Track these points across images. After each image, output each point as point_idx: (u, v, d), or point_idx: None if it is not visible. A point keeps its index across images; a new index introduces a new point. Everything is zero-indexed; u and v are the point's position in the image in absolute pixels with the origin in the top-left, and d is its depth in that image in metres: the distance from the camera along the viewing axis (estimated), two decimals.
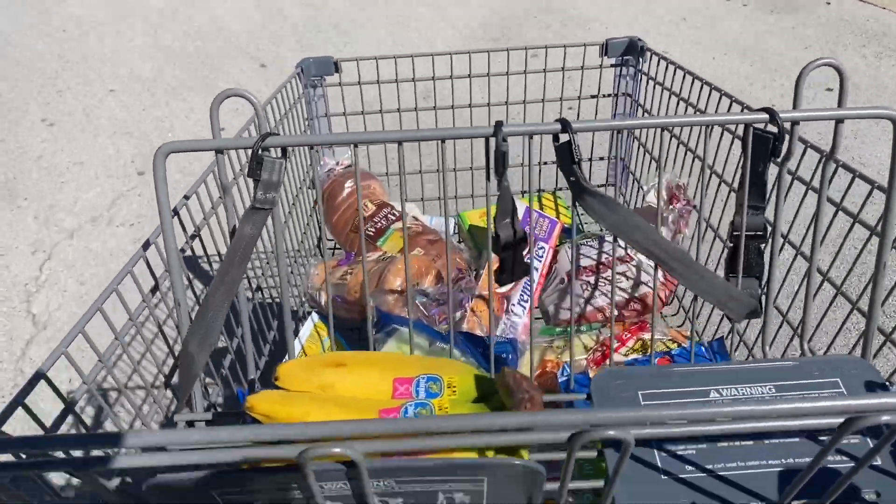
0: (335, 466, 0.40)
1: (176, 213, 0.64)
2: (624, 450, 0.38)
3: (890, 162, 0.55)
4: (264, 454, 0.39)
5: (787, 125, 0.56)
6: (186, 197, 0.68)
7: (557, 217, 1.18)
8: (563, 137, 0.54)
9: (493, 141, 0.53)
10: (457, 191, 1.30)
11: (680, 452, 0.53)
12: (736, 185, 0.65)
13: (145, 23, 3.11)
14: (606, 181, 1.32)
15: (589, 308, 1.01)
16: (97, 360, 0.54)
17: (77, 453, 0.52)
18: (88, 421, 1.18)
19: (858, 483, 0.52)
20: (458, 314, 0.98)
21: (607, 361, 0.97)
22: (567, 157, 0.54)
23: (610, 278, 1.02)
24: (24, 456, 0.43)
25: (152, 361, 1.33)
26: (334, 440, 0.38)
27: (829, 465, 0.52)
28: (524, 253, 0.62)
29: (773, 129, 0.55)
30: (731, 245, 0.61)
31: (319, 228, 1.28)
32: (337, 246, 1.21)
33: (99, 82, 2.62)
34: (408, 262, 0.63)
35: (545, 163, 1.24)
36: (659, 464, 0.53)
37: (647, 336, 1.00)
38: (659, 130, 1.10)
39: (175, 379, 0.60)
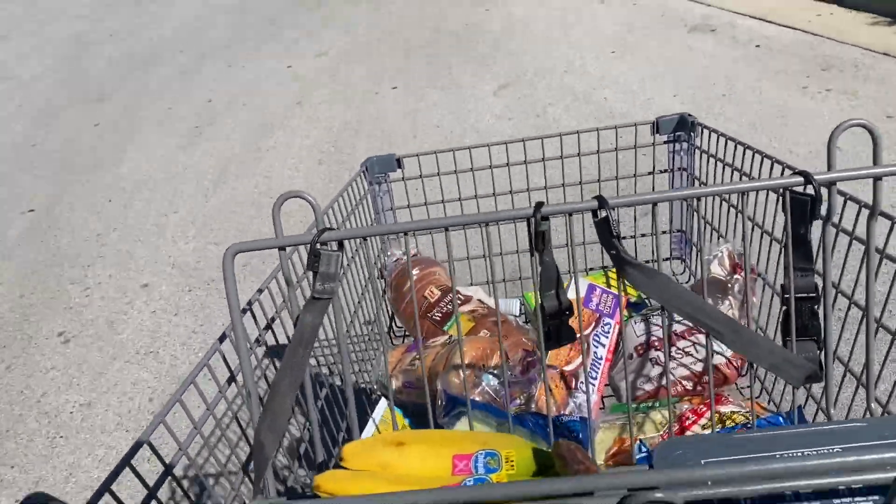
0: None
1: (247, 309, 0.69)
2: None
3: None
4: None
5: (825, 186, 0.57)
6: (259, 290, 0.73)
7: (621, 292, 1.18)
8: (601, 213, 0.56)
9: (532, 221, 0.56)
10: (520, 272, 1.32)
11: None
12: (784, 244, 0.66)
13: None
14: (671, 255, 1.32)
15: (658, 384, 1.00)
16: (177, 448, 0.58)
17: None
18: None
19: None
20: (526, 396, 0.99)
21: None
22: (606, 232, 0.56)
23: (681, 351, 1.02)
24: None
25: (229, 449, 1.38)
26: None
27: None
28: (571, 321, 0.63)
29: (810, 191, 0.56)
30: (785, 308, 0.60)
31: (391, 317, 1.32)
32: (407, 333, 1.24)
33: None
34: (461, 343, 0.65)
35: (595, 241, 1.25)
36: None
37: (723, 409, 0.98)
38: (716, 200, 1.11)
39: (250, 466, 0.63)
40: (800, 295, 0.59)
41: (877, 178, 0.56)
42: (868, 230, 0.58)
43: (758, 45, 3.02)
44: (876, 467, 0.37)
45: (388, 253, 1.27)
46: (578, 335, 1.02)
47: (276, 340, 0.76)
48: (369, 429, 0.87)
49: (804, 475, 0.37)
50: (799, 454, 0.56)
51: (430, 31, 4.18)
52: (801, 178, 0.56)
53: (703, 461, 0.57)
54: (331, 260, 0.57)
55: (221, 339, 0.67)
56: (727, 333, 0.57)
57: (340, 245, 0.59)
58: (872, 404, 0.62)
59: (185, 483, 1.30)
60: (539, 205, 0.56)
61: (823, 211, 0.57)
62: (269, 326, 0.75)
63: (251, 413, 0.61)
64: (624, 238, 1.35)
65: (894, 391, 0.68)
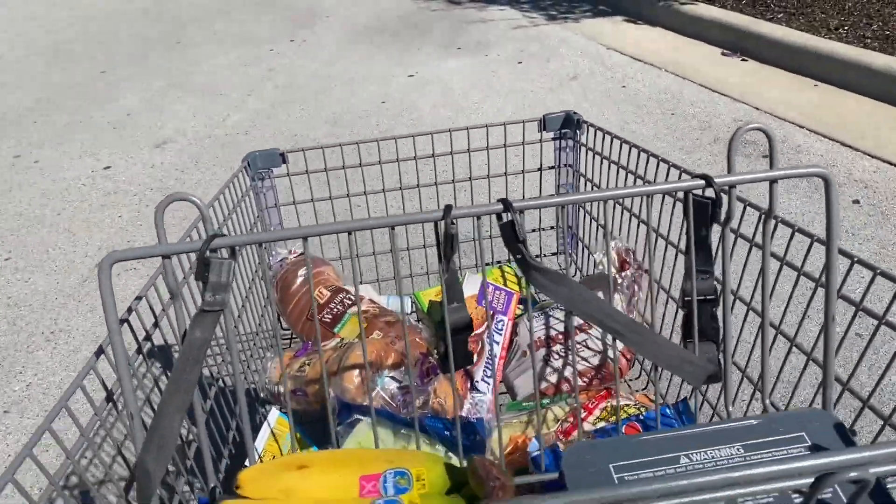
0: None
1: (125, 320, 0.63)
2: None
3: (826, 217, 0.57)
4: None
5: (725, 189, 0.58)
6: (138, 298, 0.67)
7: (510, 288, 1.18)
8: (506, 217, 0.55)
9: (441, 224, 0.54)
10: (412, 269, 1.30)
11: None
12: (683, 247, 0.67)
13: None
14: (557, 250, 1.34)
15: (554, 379, 1.01)
16: (48, 483, 0.52)
17: None
18: None
19: None
20: (422, 399, 0.97)
21: (576, 433, 0.97)
22: (511, 236, 0.55)
23: (572, 348, 1.03)
24: None
25: (106, 473, 1.27)
26: None
27: None
28: (471, 338, 0.61)
29: (711, 194, 0.57)
30: (685, 311, 0.61)
31: (279, 319, 1.27)
32: (294, 336, 1.19)
33: None
34: (364, 346, 0.62)
35: (498, 236, 1.25)
36: None
37: (614, 402, 1.00)
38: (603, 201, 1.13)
39: (131, 495, 0.57)
40: (700, 297, 0.60)
41: (772, 182, 0.57)
42: (763, 234, 0.60)
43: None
44: (798, 475, 0.37)
45: (273, 252, 1.21)
46: (478, 330, 1.01)
47: (155, 351, 0.70)
48: (264, 434, 0.82)
49: (719, 487, 0.37)
50: (704, 454, 0.57)
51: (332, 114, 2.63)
52: (702, 182, 0.57)
53: (611, 465, 0.57)
54: (222, 269, 0.52)
55: (98, 353, 0.60)
56: (631, 336, 0.57)
57: (233, 252, 0.54)
58: (767, 401, 0.64)
59: None
60: (448, 208, 0.53)
61: (723, 214, 0.58)
62: (148, 338, 0.68)
63: (134, 437, 0.55)
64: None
65: (792, 398, 0.71)
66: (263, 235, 0.54)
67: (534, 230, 1.33)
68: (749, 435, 0.59)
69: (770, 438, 0.58)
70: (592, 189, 1.21)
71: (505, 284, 1.19)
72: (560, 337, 1.04)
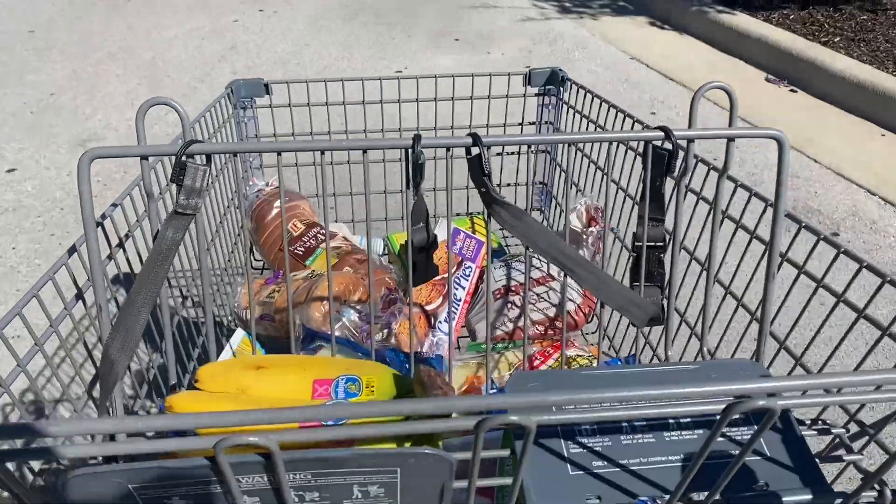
0: (252, 458, 0.41)
1: (102, 219, 0.65)
2: (527, 435, 0.41)
3: (776, 179, 0.60)
4: (179, 445, 0.40)
5: (683, 143, 0.60)
6: (114, 205, 0.69)
7: (489, 239, 1.21)
8: (475, 151, 0.57)
9: (411, 153, 0.56)
10: (387, 213, 1.32)
11: (588, 448, 0.56)
12: (638, 198, 0.70)
13: None
14: (530, 206, 1.37)
15: (514, 326, 1.05)
16: (15, 364, 0.54)
17: None
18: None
19: (753, 473, 0.56)
20: (386, 332, 1.00)
21: None
22: (478, 170, 0.57)
23: (536, 296, 1.06)
24: None
25: (73, 370, 1.30)
26: (250, 429, 0.40)
27: (725, 459, 0.56)
28: (436, 257, 0.64)
29: (669, 146, 0.60)
30: (634, 255, 0.65)
31: (251, 248, 1.29)
32: (266, 266, 1.21)
33: None
34: (331, 278, 0.65)
35: (471, 187, 1.27)
36: (567, 458, 0.55)
37: (569, 353, 1.04)
38: (573, 152, 1.15)
39: (95, 388, 0.60)
40: (650, 243, 0.63)
41: (730, 139, 0.60)
42: (717, 189, 0.63)
43: None
44: (701, 398, 0.41)
45: (250, 183, 1.22)
46: (444, 275, 1.04)
47: (128, 260, 0.72)
48: (226, 355, 0.85)
49: (640, 401, 0.40)
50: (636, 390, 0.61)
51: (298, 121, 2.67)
52: (661, 133, 0.59)
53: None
54: (197, 174, 0.55)
55: (71, 251, 0.62)
56: (583, 274, 0.60)
57: (208, 159, 0.56)
58: (705, 349, 0.68)
59: (24, 406, 1.21)
60: (417, 136, 0.56)
61: (678, 168, 0.61)
62: (121, 244, 0.70)
63: (101, 329, 0.57)
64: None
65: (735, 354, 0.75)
66: (239, 145, 0.56)
67: (508, 185, 1.36)
68: (682, 377, 0.62)
69: (703, 380, 0.62)
70: (556, 132, 1.24)
71: (474, 233, 1.22)
72: (521, 287, 1.07)
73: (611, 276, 0.60)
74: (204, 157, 0.56)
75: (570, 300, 1.03)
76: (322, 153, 0.57)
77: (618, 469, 0.56)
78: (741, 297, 0.74)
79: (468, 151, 0.58)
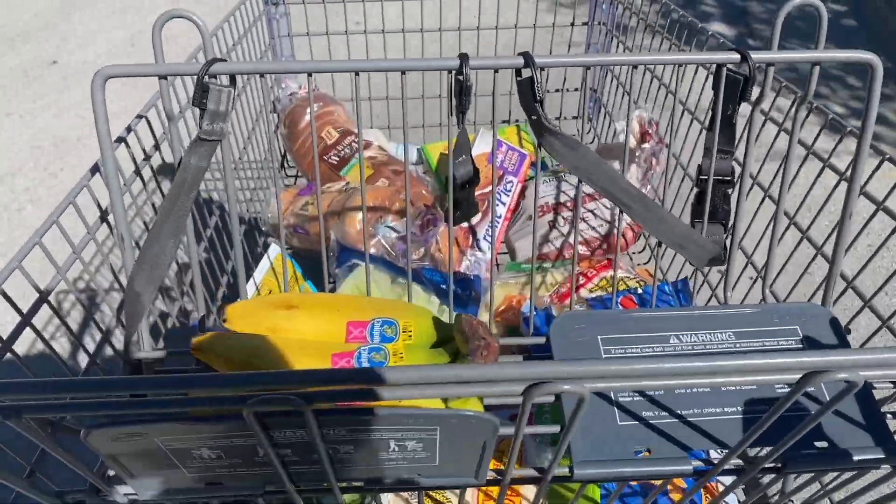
0: (283, 415, 0.39)
1: (122, 139, 0.61)
2: (578, 404, 0.38)
3: (864, 109, 0.53)
4: (207, 401, 0.37)
5: (761, 67, 0.54)
6: (129, 129, 0.65)
7: (525, 149, 1.15)
8: (526, 73, 0.51)
9: (457, 74, 0.50)
10: (424, 120, 1.26)
11: (637, 399, 0.53)
12: (707, 124, 0.64)
13: None
14: (579, 113, 1.29)
15: (556, 245, 1.00)
16: (37, 295, 0.52)
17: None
18: (29, 359, 1.16)
19: (817, 428, 0.52)
20: (423, 250, 0.96)
21: (568, 300, 0.97)
22: (529, 94, 0.52)
23: (579, 216, 1.01)
24: None
25: (100, 297, 1.30)
26: (283, 391, 0.37)
27: (785, 414, 0.53)
28: (478, 196, 0.60)
29: (745, 70, 0.53)
30: (698, 189, 0.59)
31: (283, 155, 1.24)
32: (300, 174, 1.18)
33: None
34: (364, 205, 0.61)
35: (514, 92, 1.20)
36: (616, 409, 0.52)
37: (611, 274, 1.00)
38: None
39: (122, 315, 0.57)
40: (716, 177, 0.57)
41: (814, 64, 0.53)
42: (794, 119, 0.56)
43: None
44: (787, 369, 0.37)
45: (283, 85, 1.17)
46: (485, 189, 0.99)
47: (155, 177, 0.68)
48: (263, 267, 0.82)
49: (708, 373, 0.36)
50: (695, 336, 0.57)
51: None
52: (737, 56, 0.52)
53: (599, 336, 0.57)
54: (221, 97, 0.50)
55: (93, 170, 0.59)
56: (639, 209, 0.55)
57: (232, 80, 0.51)
58: (767, 290, 0.63)
59: (46, 334, 1.22)
60: (464, 57, 0.50)
61: (755, 94, 0.55)
62: (147, 159, 0.67)
63: (124, 259, 0.55)
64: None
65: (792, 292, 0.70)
66: (265, 65, 0.51)
67: (557, 90, 1.28)
68: (743, 322, 0.58)
69: (764, 328, 0.58)
70: (623, 52, 1.15)
71: (520, 145, 1.16)
72: (569, 204, 1.02)
73: (670, 213, 0.55)
74: (227, 77, 0.51)
75: (615, 223, 0.98)
76: (357, 74, 0.52)
77: (670, 420, 0.52)
78: (806, 230, 0.68)
79: (518, 73, 0.52)
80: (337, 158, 1.09)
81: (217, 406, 0.37)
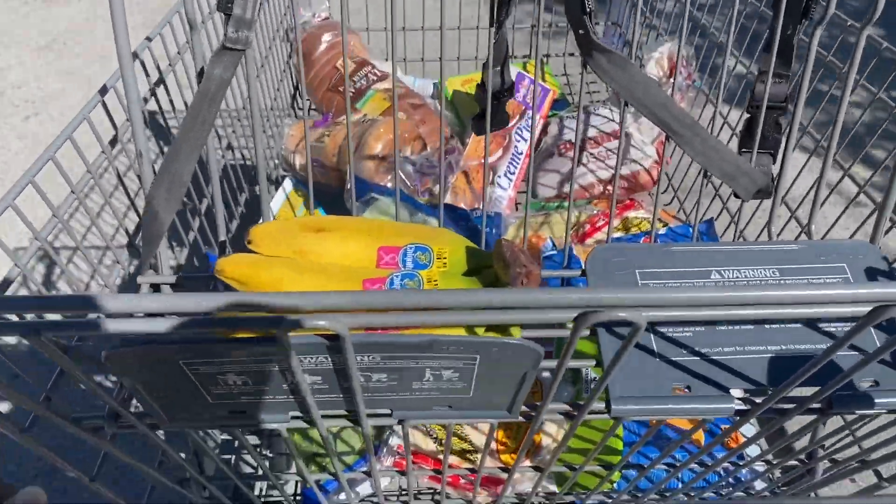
0: (316, 339, 0.36)
1: (137, 55, 0.58)
2: (632, 332, 0.35)
3: None
4: (241, 325, 0.35)
5: None
6: (149, 39, 0.61)
7: (548, 84, 1.11)
8: None
9: None
10: (442, 52, 1.21)
11: (675, 335, 0.51)
12: (742, 49, 0.60)
13: None
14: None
15: (577, 184, 0.97)
16: (51, 214, 0.49)
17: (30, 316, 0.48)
18: (40, 281, 1.14)
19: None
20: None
21: (593, 237, 0.95)
22: (577, 6, 0.48)
23: (599, 154, 0.98)
24: None
25: (113, 219, 1.27)
26: (319, 312, 0.34)
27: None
28: (498, 133, 0.57)
29: None
30: (749, 115, 0.56)
31: (294, 86, 1.20)
32: (313, 106, 1.14)
33: None
34: (397, 131, 0.57)
35: (533, 25, 1.15)
36: (654, 346, 0.50)
37: (631, 214, 0.97)
38: None
39: (138, 238, 0.55)
40: (770, 103, 0.54)
41: None
42: (856, 45, 0.53)
43: None
44: (854, 301, 0.34)
45: (300, 12, 1.12)
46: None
47: (170, 96, 0.65)
48: (279, 199, 0.79)
49: (784, 304, 0.34)
50: (736, 271, 0.55)
51: None
52: None
53: (637, 270, 0.55)
54: (247, 1, 0.46)
55: (103, 91, 0.55)
56: (688, 136, 0.52)
57: None
58: (812, 227, 0.61)
59: (61, 256, 1.20)
60: None
61: (818, 13, 0.51)
62: (161, 81, 0.63)
63: (142, 177, 0.52)
64: (550, 27, 1.25)
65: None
66: None
67: (593, 10, 1.22)
68: (786, 258, 0.55)
69: (809, 265, 0.55)
70: None
71: (542, 80, 1.12)
72: (591, 141, 0.99)
73: (720, 142, 0.51)
74: None
75: (637, 162, 0.95)
76: None
77: (710, 358, 0.50)
78: (848, 169, 0.65)
79: None
80: (353, 90, 1.05)
81: (251, 327, 0.35)
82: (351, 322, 0.34)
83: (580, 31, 0.49)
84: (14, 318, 0.41)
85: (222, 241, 0.56)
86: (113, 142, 0.56)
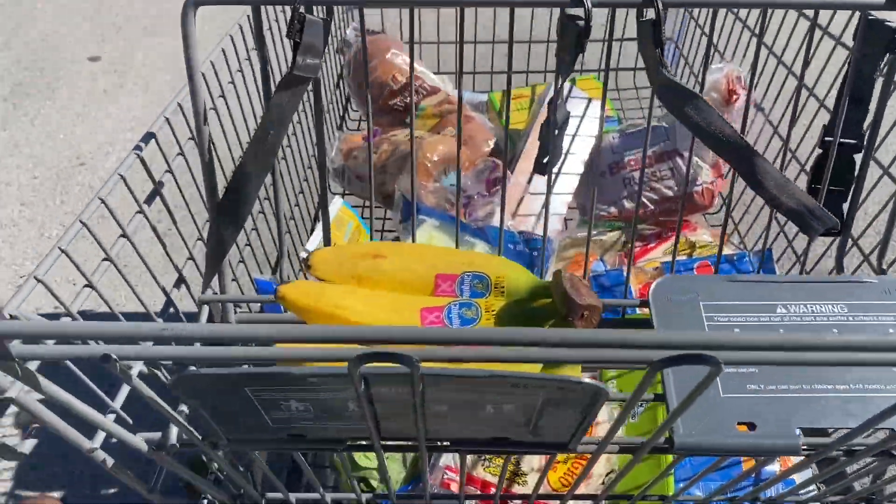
0: (387, 370, 0.36)
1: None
2: (710, 375, 0.35)
3: None
4: (315, 355, 0.35)
5: None
6: (212, 63, 0.62)
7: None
8: (649, 13, 0.47)
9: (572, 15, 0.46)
10: (493, 65, 1.20)
11: (742, 371, 0.50)
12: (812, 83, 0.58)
13: None
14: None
15: (629, 204, 0.96)
16: (120, 233, 0.50)
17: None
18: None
19: None
20: (487, 210, 0.93)
21: (644, 258, 0.93)
22: (650, 38, 0.47)
23: (655, 174, 0.96)
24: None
25: (178, 238, 1.28)
26: (390, 343, 0.34)
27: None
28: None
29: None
30: (821, 150, 0.54)
31: (346, 98, 1.21)
32: (363, 119, 1.14)
33: None
34: (459, 159, 0.57)
35: (601, 70, 1.14)
36: (719, 382, 0.49)
37: (691, 237, 0.96)
38: (721, 11, 0.99)
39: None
40: (844, 140, 0.52)
41: None
42: None
43: None
44: None
45: (352, 26, 1.13)
46: None
47: (230, 113, 0.66)
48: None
49: (870, 351, 0.32)
50: (803, 306, 0.53)
51: None
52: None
53: (701, 303, 0.54)
54: (318, 30, 0.46)
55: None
56: (758, 173, 0.50)
57: (329, 11, 0.48)
58: (884, 265, 0.59)
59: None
60: None
61: None
62: (222, 96, 0.64)
63: (206, 195, 0.52)
64: (596, 41, 1.23)
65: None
66: None
67: (617, 39, 1.21)
68: (854, 294, 0.54)
69: (878, 301, 0.53)
70: None
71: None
72: (649, 159, 0.97)
73: (788, 179, 0.50)
74: (324, 7, 0.47)
75: (693, 183, 0.94)
76: (461, 8, 0.48)
77: (774, 395, 0.49)
78: None
79: (640, 14, 0.47)
80: (403, 105, 1.05)
81: (325, 359, 0.35)
82: (422, 354, 0.34)
83: (650, 62, 0.48)
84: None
85: (277, 260, 0.57)
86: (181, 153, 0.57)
